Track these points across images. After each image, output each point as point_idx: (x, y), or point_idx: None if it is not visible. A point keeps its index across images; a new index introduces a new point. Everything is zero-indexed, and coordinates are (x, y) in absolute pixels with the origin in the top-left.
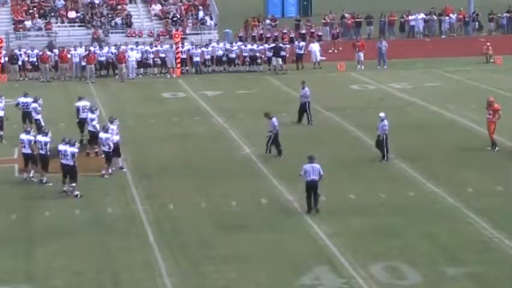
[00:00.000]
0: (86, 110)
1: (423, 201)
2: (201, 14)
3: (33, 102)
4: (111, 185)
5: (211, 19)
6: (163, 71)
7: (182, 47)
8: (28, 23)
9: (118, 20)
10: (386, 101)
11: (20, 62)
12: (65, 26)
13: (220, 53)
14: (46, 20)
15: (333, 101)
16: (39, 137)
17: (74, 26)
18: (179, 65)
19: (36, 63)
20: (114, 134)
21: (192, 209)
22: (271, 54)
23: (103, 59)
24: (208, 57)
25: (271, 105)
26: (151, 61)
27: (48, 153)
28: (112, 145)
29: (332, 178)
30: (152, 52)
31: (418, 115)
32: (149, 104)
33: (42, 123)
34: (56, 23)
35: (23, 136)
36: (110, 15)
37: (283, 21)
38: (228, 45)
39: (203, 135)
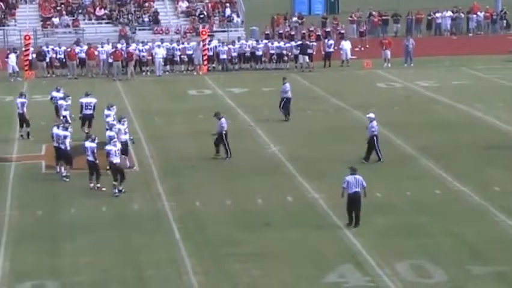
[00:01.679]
0: (90, 107)
1: (449, 200)
2: (227, 11)
3: (61, 98)
4: (137, 182)
5: (238, 16)
6: (189, 68)
7: (209, 44)
8: (56, 20)
9: (145, 17)
10: (412, 99)
11: (47, 59)
12: (93, 23)
13: (247, 50)
14: (74, 17)
15: (359, 98)
16: (59, 131)
17: (101, 23)
18: (205, 62)
19: (63, 60)
20: (122, 133)
21: (217, 206)
22: (298, 51)
23: None
24: (234, 54)
25: (297, 102)
26: (177, 58)
27: (68, 148)
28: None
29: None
30: (179, 49)
31: (444, 113)
32: (176, 101)
33: (70, 121)
34: (84, 20)
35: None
36: (137, 13)
37: (309, 19)
38: (254, 43)
39: (229, 132)
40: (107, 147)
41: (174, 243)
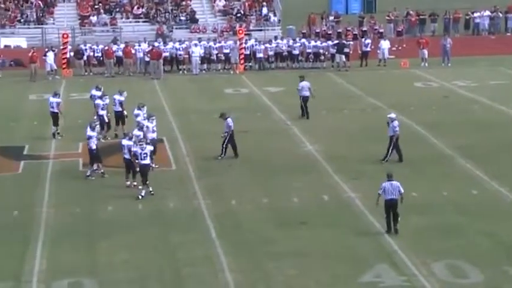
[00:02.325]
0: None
1: (486, 200)
2: (264, 10)
3: (98, 98)
4: (173, 180)
5: (275, 15)
6: (226, 67)
7: (246, 43)
8: (93, 19)
9: (182, 16)
10: (449, 99)
11: (85, 57)
12: (130, 22)
13: (284, 49)
14: (111, 15)
15: (396, 98)
16: (88, 131)
17: (138, 22)
18: (242, 61)
19: (101, 58)
20: (150, 131)
21: (253, 204)
22: (335, 51)
23: (166, 54)
24: (271, 53)
25: (333, 102)
26: (214, 57)
27: (93, 147)
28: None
29: (395, 176)
30: (216, 48)
31: (482, 113)
32: (212, 99)
33: (106, 120)
34: (121, 18)
35: (125, 142)
36: (174, 11)
37: (346, 18)
38: (291, 42)
39: (265, 131)
40: (133, 149)
41: (210, 242)
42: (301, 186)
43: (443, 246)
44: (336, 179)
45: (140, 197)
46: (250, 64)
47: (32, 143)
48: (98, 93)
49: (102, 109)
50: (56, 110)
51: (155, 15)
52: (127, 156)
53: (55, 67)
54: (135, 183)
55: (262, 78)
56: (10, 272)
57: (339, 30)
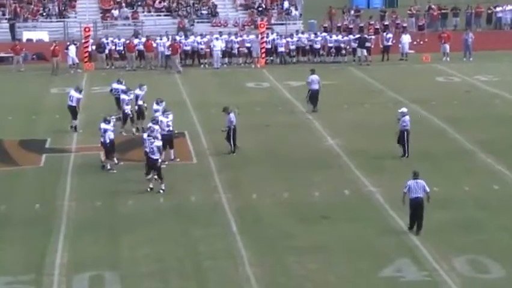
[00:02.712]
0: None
1: (507, 195)
2: (286, 4)
3: (123, 92)
4: (194, 174)
5: (296, 9)
6: (247, 61)
7: (267, 37)
8: (115, 12)
9: (204, 10)
10: (471, 94)
11: (106, 51)
12: (152, 16)
13: (305, 43)
14: (133, 9)
15: (418, 92)
16: (102, 124)
17: (160, 16)
18: (264, 55)
19: (122, 52)
20: (165, 126)
21: (274, 198)
22: (356, 45)
23: (188, 48)
24: (292, 47)
25: (354, 96)
26: (235, 51)
27: (108, 140)
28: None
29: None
30: (237, 42)
31: (504, 108)
32: (233, 93)
33: (131, 114)
34: (143, 12)
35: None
36: (196, 5)
37: (368, 12)
38: (312, 36)
39: (286, 125)
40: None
41: (231, 235)
42: (322, 180)
43: (464, 241)
44: (357, 173)
45: (161, 191)
46: (271, 58)
47: (54, 137)
48: (121, 87)
49: (127, 104)
50: (74, 104)
51: (177, 9)
52: (147, 150)
53: (77, 61)
54: (156, 177)
55: (283, 72)
56: (32, 265)
57: (361, 25)
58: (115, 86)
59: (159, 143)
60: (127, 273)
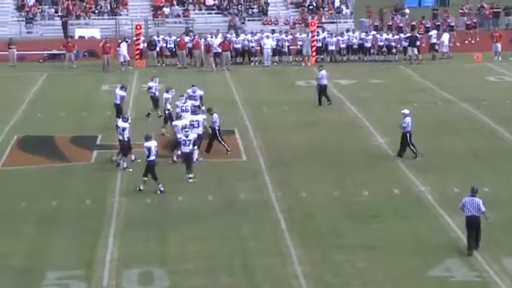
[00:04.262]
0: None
1: None
2: (337, 2)
3: (165, 92)
4: (244, 172)
5: (347, 8)
6: (297, 59)
7: (318, 36)
8: (166, 10)
9: (255, 8)
10: None
11: (157, 48)
12: (203, 13)
13: (355, 42)
14: (184, 6)
15: (468, 92)
16: (119, 122)
17: (211, 13)
18: (314, 54)
19: (173, 49)
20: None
21: (323, 197)
22: (407, 44)
23: (238, 46)
24: (343, 46)
25: (404, 95)
26: (286, 49)
27: (126, 139)
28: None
29: (466, 170)
30: (288, 40)
31: None
32: (283, 91)
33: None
34: (194, 9)
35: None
36: (247, 3)
37: (420, 11)
38: (363, 34)
39: (336, 123)
40: (178, 135)
41: (280, 233)
42: (371, 179)
43: None
44: (406, 172)
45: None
46: (321, 56)
47: (105, 133)
48: (155, 84)
49: (169, 103)
50: (118, 102)
51: (228, 7)
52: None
53: (128, 58)
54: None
55: (333, 70)
56: (83, 260)
57: (413, 23)
58: (151, 84)
59: (195, 134)
60: (175, 270)
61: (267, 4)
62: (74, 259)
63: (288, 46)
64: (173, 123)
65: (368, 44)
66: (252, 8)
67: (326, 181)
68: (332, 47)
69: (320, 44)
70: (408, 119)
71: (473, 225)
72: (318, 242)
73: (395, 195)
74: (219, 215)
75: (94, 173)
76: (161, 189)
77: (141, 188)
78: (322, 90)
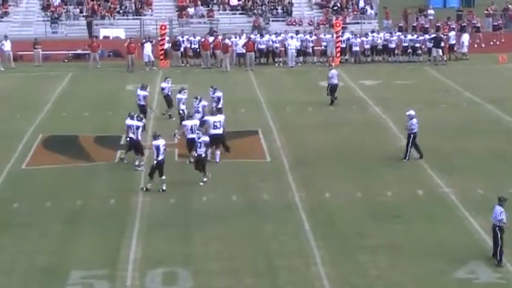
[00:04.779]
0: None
1: None
2: (361, 3)
3: (178, 92)
4: (268, 172)
5: (372, 8)
6: (321, 60)
7: (342, 36)
8: (191, 10)
9: (279, 8)
10: None
11: (182, 49)
12: (227, 14)
13: (379, 42)
14: (208, 7)
15: (493, 93)
16: (133, 122)
17: (235, 14)
18: (338, 54)
19: (197, 50)
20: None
21: (347, 197)
22: (432, 45)
23: (263, 47)
24: (367, 46)
25: (428, 96)
26: (310, 50)
27: (138, 138)
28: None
29: (490, 171)
30: (312, 41)
31: None
32: (307, 92)
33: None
34: (218, 10)
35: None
36: (271, 4)
37: (445, 12)
38: (387, 35)
39: (360, 124)
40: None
41: (303, 234)
42: (395, 180)
43: None
44: (430, 173)
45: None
46: (346, 57)
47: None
48: (168, 85)
49: (183, 103)
50: (143, 103)
51: (252, 8)
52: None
53: (153, 58)
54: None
55: (357, 71)
56: (107, 259)
57: (438, 24)
58: (164, 85)
59: (206, 138)
60: (199, 270)
61: (291, 5)
62: (98, 258)
63: (313, 47)
64: (183, 123)
65: (393, 45)
66: (276, 9)
67: (350, 182)
68: (356, 48)
69: (344, 45)
70: (415, 120)
71: (494, 233)
72: (342, 243)
73: (418, 196)
74: (243, 215)
75: (118, 172)
76: (164, 188)
77: (148, 187)
78: (333, 89)
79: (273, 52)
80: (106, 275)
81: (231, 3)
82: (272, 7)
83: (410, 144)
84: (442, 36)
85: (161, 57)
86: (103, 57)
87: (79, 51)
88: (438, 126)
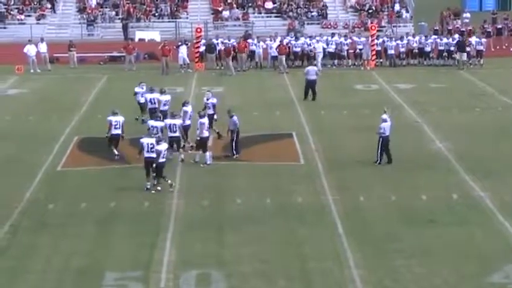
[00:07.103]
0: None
1: None
2: (396, 6)
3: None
4: (301, 175)
5: (407, 11)
6: (356, 63)
7: (377, 39)
8: (226, 13)
9: (314, 11)
10: None
11: (217, 51)
12: (262, 17)
13: (414, 46)
14: (244, 10)
15: None
16: (153, 122)
17: (270, 17)
18: (373, 57)
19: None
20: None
21: (381, 201)
22: (456, 49)
23: (297, 50)
24: (402, 50)
25: (464, 99)
26: (345, 53)
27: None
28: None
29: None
30: (347, 44)
31: None
32: (342, 95)
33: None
34: (253, 13)
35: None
36: (306, 7)
37: (480, 15)
38: (423, 38)
39: (394, 127)
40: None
41: (337, 237)
42: (429, 183)
43: None
44: (465, 177)
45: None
46: (381, 60)
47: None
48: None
49: (188, 119)
50: (166, 108)
51: (287, 10)
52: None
53: (188, 61)
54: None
55: (392, 74)
56: (140, 261)
57: (462, 29)
58: (137, 89)
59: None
60: (232, 272)
61: (326, 7)
62: (132, 260)
63: (347, 50)
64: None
65: (428, 48)
66: (311, 12)
67: (384, 185)
68: (391, 51)
69: (379, 48)
70: (383, 124)
71: None
72: (376, 247)
73: (453, 200)
74: (276, 218)
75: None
76: (159, 188)
77: (148, 187)
78: (310, 85)
79: (308, 55)
80: (139, 277)
81: (266, 6)
82: (307, 10)
83: (380, 147)
84: (469, 40)
85: (197, 60)
86: (139, 59)
87: (114, 54)
88: (473, 130)
